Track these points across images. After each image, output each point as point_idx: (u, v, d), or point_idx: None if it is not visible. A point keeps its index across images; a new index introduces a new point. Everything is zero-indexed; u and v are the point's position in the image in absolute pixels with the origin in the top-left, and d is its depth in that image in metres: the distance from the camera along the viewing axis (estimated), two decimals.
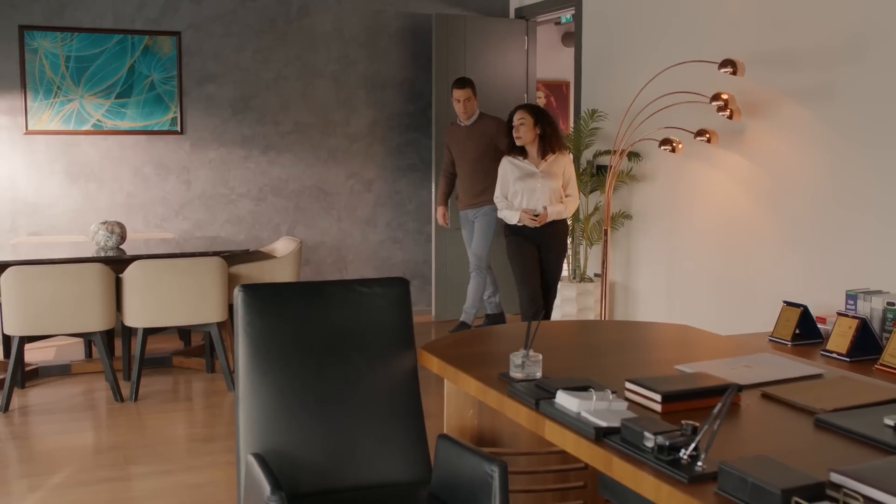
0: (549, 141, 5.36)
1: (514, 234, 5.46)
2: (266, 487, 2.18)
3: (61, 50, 6.26)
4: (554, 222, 5.42)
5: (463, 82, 6.29)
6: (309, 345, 2.65)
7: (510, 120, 5.42)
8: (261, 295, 2.64)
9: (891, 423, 2.01)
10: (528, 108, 5.41)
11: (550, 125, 5.39)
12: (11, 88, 6.20)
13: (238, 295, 2.62)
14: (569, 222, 5.71)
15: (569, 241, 5.90)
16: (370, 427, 2.63)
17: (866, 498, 1.54)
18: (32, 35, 6.19)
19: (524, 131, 5.32)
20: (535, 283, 5.42)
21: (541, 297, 5.44)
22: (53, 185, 6.36)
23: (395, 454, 2.63)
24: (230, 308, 5.29)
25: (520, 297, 5.49)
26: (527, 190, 5.37)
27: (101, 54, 6.36)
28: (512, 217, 5.40)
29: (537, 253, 5.46)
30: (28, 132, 6.25)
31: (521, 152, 5.40)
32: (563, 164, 5.43)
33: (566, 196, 5.44)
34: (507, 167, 5.45)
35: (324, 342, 2.66)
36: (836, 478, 1.63)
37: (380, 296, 2.76)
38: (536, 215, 5.33)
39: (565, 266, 5.91)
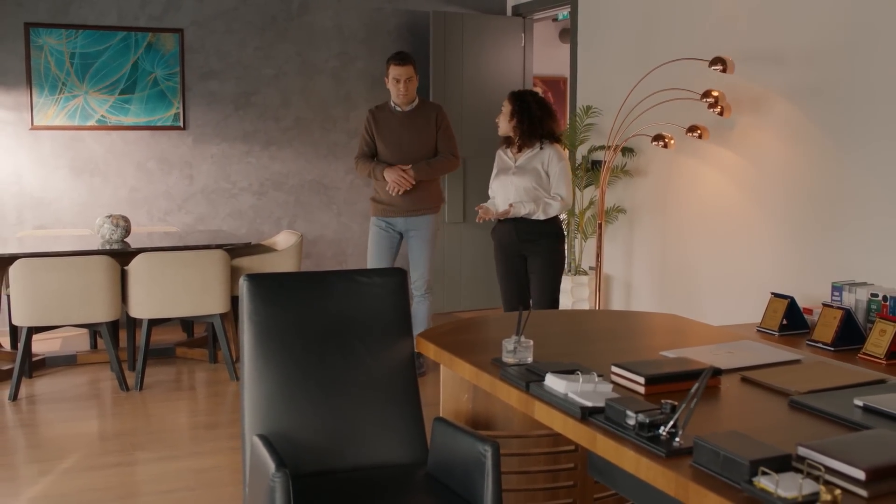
0: (524, 132, 4.69)
1: (495, 240, 4.90)
2: (271, 465, 2.30)
3: (66, 47, 6.37)
4: (531, 223, 4.71)
5: (404, 58, 5.25)
6: (311, 332, 2.77)
7: None
8: (265, 284, 2.76)
9: (860, 403, 2.13)
10: (511, 96, 4.78)
11: (529, 114, 4.68)
12: (17, 84, 6.31)
13: (243, 284, 2.73)
14: (561, 225, 4.88)
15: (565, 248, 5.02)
16: (369, 410, 2.75)
17: (828, 468, 1.66)
18: (38, 32, 6.31)
19: (502, 120, 4.76)
20: (512, 302, 4.81)
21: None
22: (58, 180, 6.47)
23: (393, 436, 2.75)
24: (233, 300, 5.42)
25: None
26: (500, 187, 4.79)
27: (106, 51, 6.47)
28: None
29: (520, 263, 4.83)
30: (34, 127, 6.37)
31: (511, 143, 4.82)
32: (545, 158, 4.71)
33: (548, 197, 4.69)
34: (496, 160, 4.92)
35: (325, 330, 2.79)
36: (802, 451, 1.75)
37: (379, 285, 2.88)
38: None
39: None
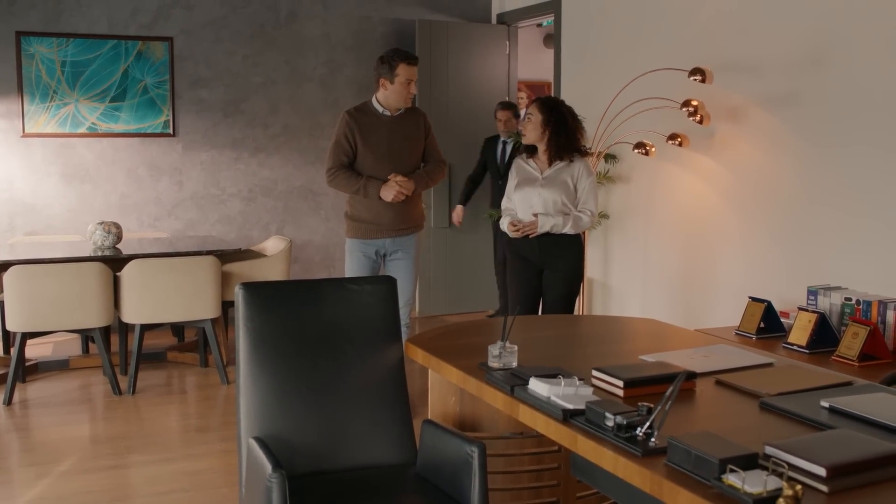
0: (560, 145, 4.47)
1: (511, 253, 4.69)
2: (267, 466, 2.40)
3: (57, 55, 6.45)
4: (556, 238, 4.53)
5: (414, 58, 4.68)
6: (304, 338, 2.87)
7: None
8: (260, 292, 2.86)
9: (826, 405, 2.25)
10: (540, 103, 4.53)
11: (565, 126, 4.48)
12: (9, 92, 6.38)
13: (239, 292, 2.84)
14: (582, 240, 4.74)
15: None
16: (360, 413, 2.86)
17: (793, 466, 1.78)
18: (29, 40, 6.38)
19: (529, 128, 4.51)
20: (523, 312, 4.51)
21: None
22: (49, 186, 6.54)
23: (384, 438, 2.86)
24: (223, 304, 5.51)
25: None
26: (523, 199, 4.54)
27: (96, 59, 6.55)
28: (503, 225, 4.64)
29: (537, 278, 4.64)
30: (25, 135, 6.44)
31: (533, 153, 4.61)
32: (575, 172, 4.52)
33: (577, 211, 4.54)
34: (514, 169, 4.68)
35: (317, 336, 2.89)
36: (769, 450, 1.87)
37: (369, 293, 2.99)
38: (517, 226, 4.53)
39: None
